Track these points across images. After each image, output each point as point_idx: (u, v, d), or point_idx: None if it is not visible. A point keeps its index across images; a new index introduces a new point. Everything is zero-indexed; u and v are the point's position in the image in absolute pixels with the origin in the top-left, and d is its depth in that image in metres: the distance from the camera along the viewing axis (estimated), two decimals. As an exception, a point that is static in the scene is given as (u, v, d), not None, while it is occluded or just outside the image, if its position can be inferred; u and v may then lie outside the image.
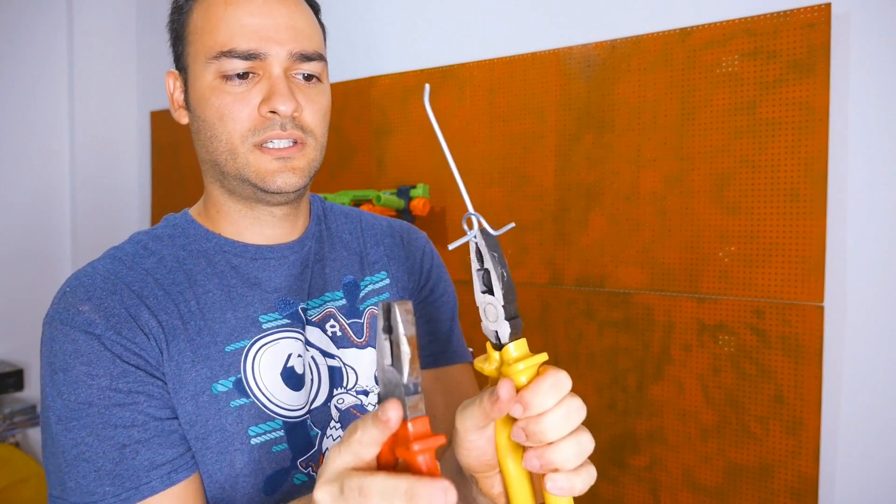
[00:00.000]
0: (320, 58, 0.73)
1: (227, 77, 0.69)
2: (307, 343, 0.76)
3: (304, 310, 0.77)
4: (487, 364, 0.50)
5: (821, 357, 1.23)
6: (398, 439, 0.45)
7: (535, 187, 1.59)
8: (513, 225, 0.52)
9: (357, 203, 1.74)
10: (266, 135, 0.69)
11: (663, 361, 1.41)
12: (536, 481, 0.51)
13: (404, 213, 1.72)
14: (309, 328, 0.77)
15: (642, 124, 1.43)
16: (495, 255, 0.49)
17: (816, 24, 1.23)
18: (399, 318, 0.45)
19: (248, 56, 0.69)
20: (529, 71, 1.59)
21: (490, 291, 0.50)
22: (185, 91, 0.75)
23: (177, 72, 0.76)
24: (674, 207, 1.40)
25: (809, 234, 1.24)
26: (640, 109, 1.43)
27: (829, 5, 1.22)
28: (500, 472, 0.51)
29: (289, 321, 0.75)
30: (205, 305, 0.72)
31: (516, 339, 0.49)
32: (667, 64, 1.40)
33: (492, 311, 0.49)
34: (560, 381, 0.48)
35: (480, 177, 1.67)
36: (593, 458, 0.49)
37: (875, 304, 1.23)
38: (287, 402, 0.73)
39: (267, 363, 0.73)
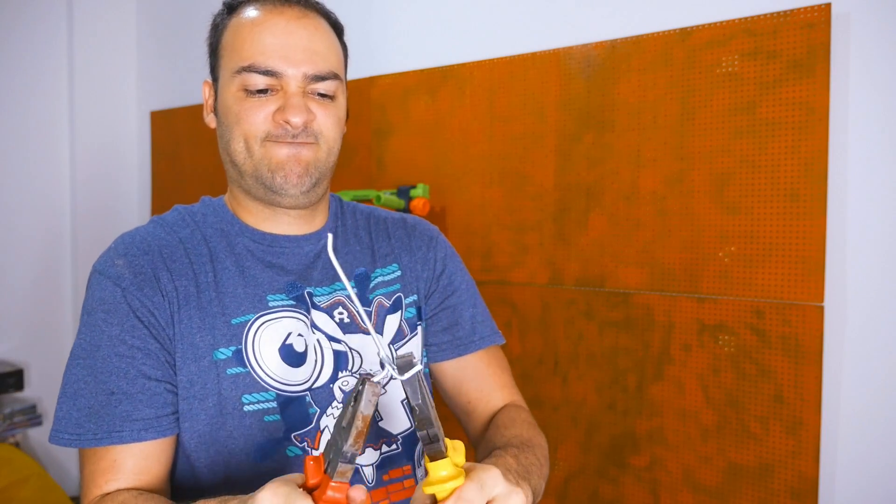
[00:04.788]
0: (335, 77, 0.79)
1: (248, 91, 0.77)
2: (313, 326, 0.81)
3: (311, 294, 0.82)
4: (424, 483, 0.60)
5: (821, 357, 1.23)
6: (320, 487, 0.54)
7: (535, 187, 1.59)
8: (420, 368, 0.59)
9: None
10: (277, 139, 0.77)
11: (663, 361, 1.41)
12: None
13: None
14: (315, 312, 0.82)
15: (642, 124, 1.43)
16: (409, 389, 0.58)
17: (816, 24, 1.23)
18: (364, 397, 0.54)
19: (267, 73, 0.76)
20: (529, 71, 1.59)
21: (413, 421, 0.60)
22: (215, 99, 0.83)
23: (211, 81, 0.86)
24: (674, 207, 1.40)
25: (809, 234, 1.24)
26: (640, 109, 1.43)
27: (829, 5, 1.22)
28: None
29: (294, 303, 0.81)
30: (220, 279, 0.79)
31: (435, 460, 0.59)
32: (667, 64, 1.40)
33: (425, 435, 0.59)
34: (467, 500, 0.57)
35: (480, 177, 1.67)
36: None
37: (875, 304, 1.23)
38: (283, 376, 0.78)
39: (267, 338, 0.79)
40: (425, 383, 0.58)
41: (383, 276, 0.90)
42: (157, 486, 0.74)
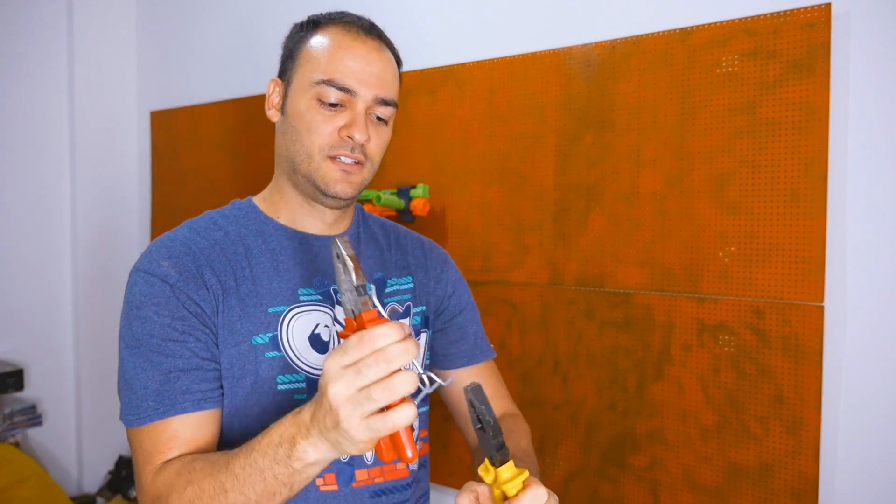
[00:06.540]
0: (395, 104, 0.93)
1: (321, 101, 0.88)
2: (335, 319, 0.93)
3: (336, 291, 0.94)
4: (486, 475, 0.73)
5: (821, 357, 1.23)
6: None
7: (535, 187, 1.59)
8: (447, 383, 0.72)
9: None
10: (338, 151, 0.88)
11: (663, 361, 1.41)
12: None
13: (404, 213, 1.72)
14: (338, 308, 0.93)
15: (642, 124, 1.43)
16: (483, 407, 0.71)
17: (816, 24, 1.23)
18: (342, 249, 0.67)
19: (343, 89, 0.88)
20: (529, 71, 1.59)
21: (483, 429, 0.71)
22: (284, 98, 0.93)
23: (280, 80, 0.95)
24: (674, 207, 1.40)
25: (809, 234, 1.24)
26: (640, 109, 1.43)
27: (829, 5, 1.22)
28: None
29: (321, 298, 0.93)
30: (257, 273, 0.90)
31: (504, 463, 0.72)
32: (667, 64, 1.40)
33: (485, 440, 0.71)
34: (537, 496, 0.71)
35: (480, 177, 1.67)
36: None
37: (875, 304, 1.23)
38: (311, 361, 0.90)
39: (298, 328, 0.90)
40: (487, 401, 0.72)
41: (398, 285, 1.02)
42: (208, 451, 0.83)
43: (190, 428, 0.81)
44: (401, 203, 1.69)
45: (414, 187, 1.72)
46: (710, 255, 1.35)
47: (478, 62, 1.67)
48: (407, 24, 1.85)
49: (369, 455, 0.92)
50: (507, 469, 0.71)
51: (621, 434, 1.46)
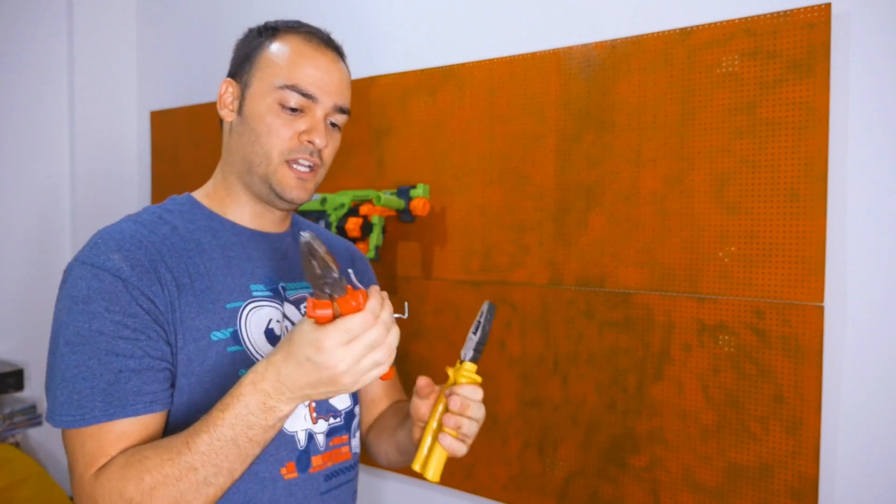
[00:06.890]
0: (349, 112, 0.99)
1: (283, 105, 0.92)
2: (284, 315, 0.97)
3: (284, 288, 0.99)
4: (452, 370, 0.96)
5: (821, 357, 1.23)
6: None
7: (535, 187, 1.59)
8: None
9: (357, 203, 1.74)
10: (297, 155, 0.93)
11: (663, 361, 1.41)
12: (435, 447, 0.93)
13: (404, 213, 1.72)
14: (286, 304, 0.98)
15: (642, 124, 1.43)
16: (491, 319, 0.94)
17: (816, 24, 1.23)
18: (316, 246, 0.70)
19: (305, 95, 0.92)
20: (529, 71, 1.59)
21: (475, 333, 0.94)
22: (241, 100, 0.96)
23: (234, 81, 0.98)
24: (674, 207, 1.40)
25: (809, 234, 1.24)
26: (640, 109, 1.43)
27: (829, 5, 1.22)
28: (425, 426, 0.95)
29: (271, 294, 0.96)
30: (211, 269, 0.91)
31: (473, 363, 0.94)
32: (667, 64, 1.40)
33: (470, 342, 0.95)
34: (476, 391, 0.92)
35: (480, 177, 1.67)
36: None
37: (875, 304, 1.23)
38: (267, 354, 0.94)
39: (254, 322, 0.92)
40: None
41: None
42: None
43: (138, 430, 0.79)
44: (401, 203, 1.69)
45: (414, 187, 1.72)
46: (710, 255, 1.35)
47: (478, 62, 1.67)
48: (407, 25, 1.85)
49: (322, 441, 0.98)
50: (471, 368, 0.93)
51: (621, 434, 1.46)
